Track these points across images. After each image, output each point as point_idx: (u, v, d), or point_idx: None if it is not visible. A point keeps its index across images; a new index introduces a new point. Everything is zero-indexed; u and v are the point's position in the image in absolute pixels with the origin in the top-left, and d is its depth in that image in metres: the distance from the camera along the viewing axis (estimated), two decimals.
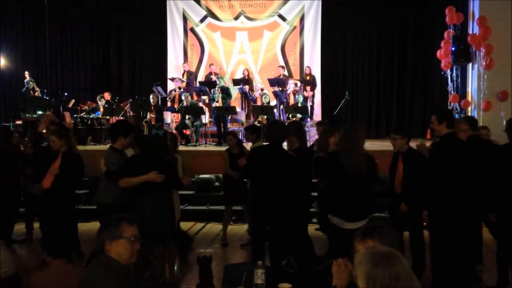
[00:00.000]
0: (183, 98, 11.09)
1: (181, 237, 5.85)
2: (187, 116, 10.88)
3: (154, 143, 4.66)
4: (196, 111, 10.82)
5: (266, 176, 4.80)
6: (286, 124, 8.58)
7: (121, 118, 11.23)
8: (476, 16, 10.26)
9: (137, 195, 4.48)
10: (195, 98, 11.94)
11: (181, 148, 8.30)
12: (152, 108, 11.08)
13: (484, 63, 9.95)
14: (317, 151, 5.26)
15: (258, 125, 9.69)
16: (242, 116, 11.71)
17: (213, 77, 12.44)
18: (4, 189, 6.11)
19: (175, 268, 5.36)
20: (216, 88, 11.77)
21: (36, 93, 11.62)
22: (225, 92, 11.83)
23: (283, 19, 13.52)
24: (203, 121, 11.19)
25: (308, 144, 6.70)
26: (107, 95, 12.24)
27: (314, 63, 13.25)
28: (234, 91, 12.47)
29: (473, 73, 10.73)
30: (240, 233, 7.20)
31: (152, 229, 4.37)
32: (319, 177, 5.38)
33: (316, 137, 10.35)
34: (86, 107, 11.86)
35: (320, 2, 13.24)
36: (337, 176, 4.32)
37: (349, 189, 4.24)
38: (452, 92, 10.82)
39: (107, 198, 4.80)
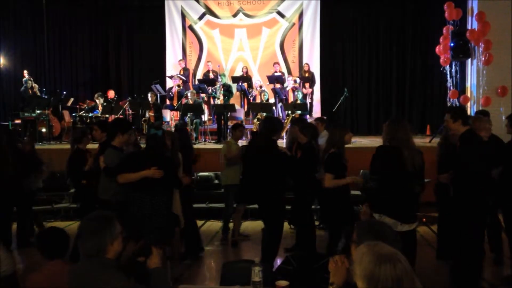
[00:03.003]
0: (189, 95, 11.06)
1: (191, 236, 5.93)
2: (188, 114, 10.87)
3: (154, 141, 4.70)
4: (197, 110, 10.82)
5: (252, 171, 4.97)
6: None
7: (120, 116, 11.24)
8: (475, 12, 10.25)
9: (136, 191, 4.51)
10: (195, 95, 11.92)
11: None
12: (151, 106, 11.07)
13: (483, 59, 9.94)
14: (328, 147, 5.19)
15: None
16: (241, 114, 11.69)
17: (211, 75, 12.45)
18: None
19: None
20: (218, 85, 11.77)
21: (34, 91, 11.62)
22: (227, 89, 11.83)
23: (282, 16, 13.49)
24: (203, 119, 11.18)
25: None
26: (111, 93, 12.23)
27: (313, 60, 13.23)
28: (233, 89, 12.46)
29: (472, 68, 10.73)
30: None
31: (151, 226, 4.40)
32: (331, 174, 5.03)
33: None
34: (85, 105, 11.85)
35: None
36: (395, 172, 3.99)
37: (407, 186, 3.97)
38: (451, 87, 10.81)
39: (106, 194, 4.83)
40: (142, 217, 4.42)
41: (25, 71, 12.12)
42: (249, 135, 9.86)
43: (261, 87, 11.91)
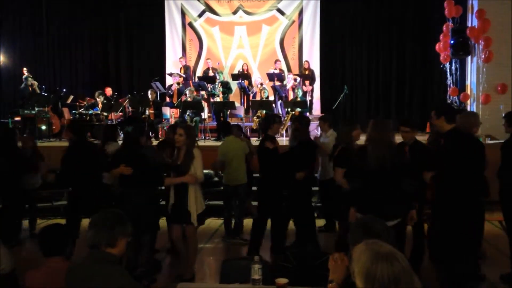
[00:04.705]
0: (187, 93, 11.06)
1: None
2: (187, 111, 10.87)
3: (126, 139, 5.00)
4: (196, 107, 10.81)
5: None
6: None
7: (120, 114, 11.24)
8: (475, 9, 10.24)
9: (122, 187, 4.85)
10: (194, 93, 11.91)
11: None
12: (151, 103, 11.07)
13: (483, 56, 9.93)
14: (337, 144, 5.20)
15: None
16: (241, 111, 11.70)
17: (211, 72, 12.43)
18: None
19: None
20: (217, 83, 11.77)
21: (34, 89, 11.60)
22: (225, 86, 11.83)
23: (282, 13, 13.48)
24: (202, 117, 11.17)
25: None
26: (108, 91, 12.22)
27: (313, 57, 13.22)
28: (233, 86, 12.46)
29: (472, 66, 10.71)
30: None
31: (133, 220, 4.51)
32: (341, 168, 4.83)
33: (315, 131, 10.41)
34: (85, 103, 11.83)
35: None
36: (363, 171, 4.01)
37: (375, 185, 3.93)
38: (451, 85, 10.81)
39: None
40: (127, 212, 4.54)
41: (25, 69, 12.10)
42: (248, 132, 9.87)
43: (261, 84, 11.91)
